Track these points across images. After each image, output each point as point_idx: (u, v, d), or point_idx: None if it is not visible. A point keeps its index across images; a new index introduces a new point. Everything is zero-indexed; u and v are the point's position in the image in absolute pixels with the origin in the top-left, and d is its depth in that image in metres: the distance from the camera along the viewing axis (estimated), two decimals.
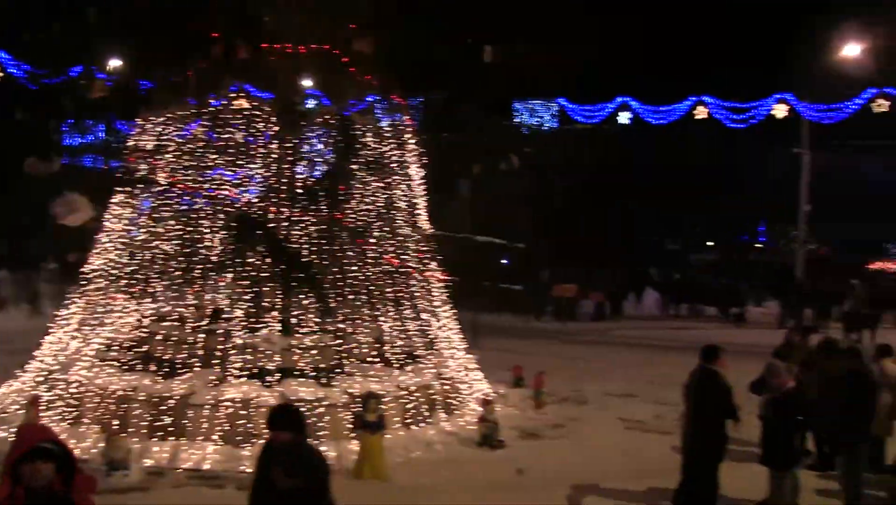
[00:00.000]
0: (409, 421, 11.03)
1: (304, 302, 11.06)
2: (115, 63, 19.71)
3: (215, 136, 11.36)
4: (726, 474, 9.12)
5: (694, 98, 37.25)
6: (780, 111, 36.18)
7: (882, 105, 32.58)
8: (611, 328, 26.59)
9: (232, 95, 11.39)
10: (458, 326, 13.53)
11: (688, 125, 40.17)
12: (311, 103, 11.72)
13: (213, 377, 10.25)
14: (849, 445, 8.84)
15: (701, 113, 37.48)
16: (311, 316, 11.05)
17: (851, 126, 35.51)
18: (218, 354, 10.45)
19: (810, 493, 8.99)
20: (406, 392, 11.07)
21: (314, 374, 10.52)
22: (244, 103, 11.32)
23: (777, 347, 11.17)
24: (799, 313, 28.97)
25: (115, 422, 10.05)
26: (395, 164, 12.50)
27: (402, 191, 12.66)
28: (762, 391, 8.86)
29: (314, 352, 10.74)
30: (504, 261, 31.52)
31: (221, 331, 10.65)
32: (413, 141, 13.22)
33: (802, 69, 36.95)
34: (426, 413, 11.38)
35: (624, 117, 38.59)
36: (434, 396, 11.63)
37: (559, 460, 10.44)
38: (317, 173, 11.61)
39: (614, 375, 16.48)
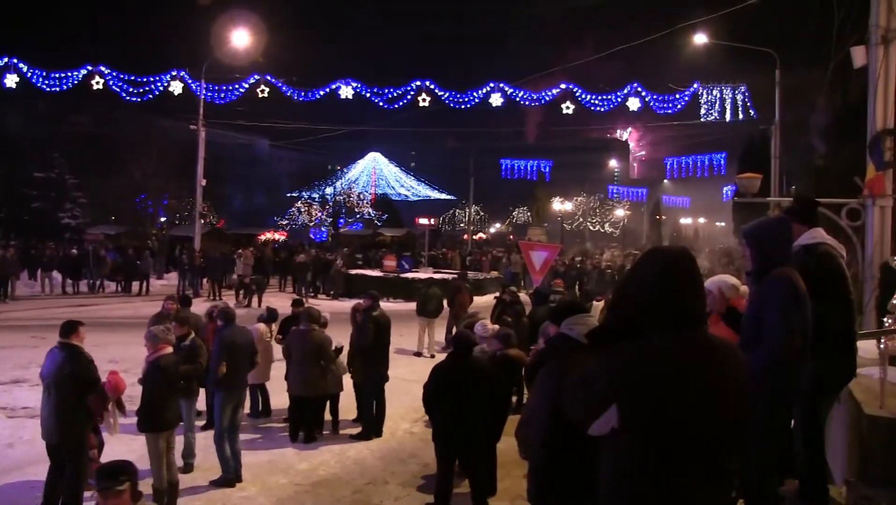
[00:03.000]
0: None
1: None
2: None
3: None
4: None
5: (90, 67, 36.21)
6: (176, 88, 37.59)
7: (265, 90, 36.64)
8: (0, 311, 24.49)
9: None
10: None
11: (87, 96, 39.02)
12: None
13: None
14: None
15: (98, 83, 36.71)
16: None
17: (243, 106, 38.71)
18: None
19: (200, 451, 10.00)
20: None
21: None
22: None
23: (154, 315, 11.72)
24: (197, 283, 30.63)
25: None
26: None
27: None
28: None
29: None
30: None
31: None
32: None
33: (197, 49, 38.89)
34: None
35: (11, 81, 35.73)
36: None
37: None
38: None
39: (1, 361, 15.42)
